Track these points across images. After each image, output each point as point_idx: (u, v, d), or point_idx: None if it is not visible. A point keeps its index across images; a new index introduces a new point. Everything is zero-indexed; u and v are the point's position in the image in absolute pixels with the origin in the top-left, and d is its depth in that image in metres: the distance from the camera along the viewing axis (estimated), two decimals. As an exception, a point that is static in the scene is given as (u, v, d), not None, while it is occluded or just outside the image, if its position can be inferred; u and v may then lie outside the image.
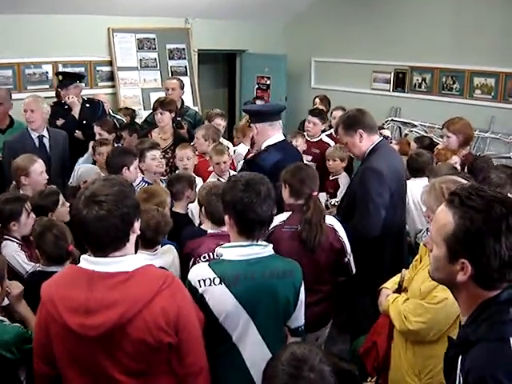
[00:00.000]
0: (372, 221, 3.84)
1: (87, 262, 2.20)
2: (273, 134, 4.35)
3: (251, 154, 4.29)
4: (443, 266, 1.82)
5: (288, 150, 4.50)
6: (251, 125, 4.50)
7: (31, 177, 4.46)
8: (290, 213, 3.53)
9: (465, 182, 3.04)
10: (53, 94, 7.26)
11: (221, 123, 6.52)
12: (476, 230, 1.70)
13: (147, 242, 3.32)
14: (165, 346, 2.19)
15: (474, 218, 1.70)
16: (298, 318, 2.80)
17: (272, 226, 3.41)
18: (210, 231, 3.51)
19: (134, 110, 7.77)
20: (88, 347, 2.14)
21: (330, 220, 3.60)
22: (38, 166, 4.53)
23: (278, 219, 3.50)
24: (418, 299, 2.92)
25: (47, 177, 4.60)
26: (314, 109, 6.76)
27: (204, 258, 3.30)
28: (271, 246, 2.71)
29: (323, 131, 7.00)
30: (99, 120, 6.23)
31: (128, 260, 2.20)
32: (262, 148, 4.35)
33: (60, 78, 6.39)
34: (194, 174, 5.09)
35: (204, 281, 2.55)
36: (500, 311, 1.69)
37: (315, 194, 3.50)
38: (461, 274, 1.76)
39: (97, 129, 5.92)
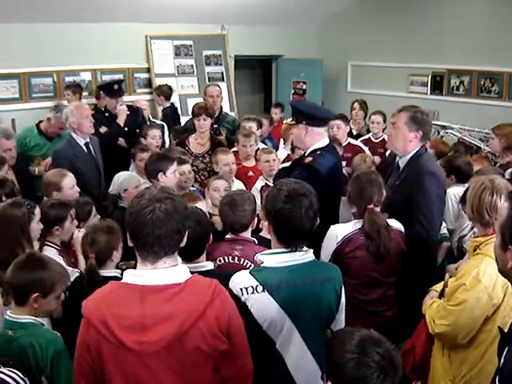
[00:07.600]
0: (436, 224, 3.82)
1: (135, 276, 2.17)
2: (324, 137, 4.23)
3: (308, 158, 4.09)
4: (498, 254, 1.86)
5: (338, 154, 4.46)
6: (309, 127, 4.15)
7: (63, 192, 4.34)
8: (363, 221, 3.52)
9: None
10: (90, 101, 7.45)
11: (251, 125, 6.26)
12: None
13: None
14: (218, 353, 2.20)
15: None
16: (341, 321, 2.78)
17: (347, 232, 3.47)
18: (227, 236, 3.50)
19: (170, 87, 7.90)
20: (145, 363, 2.11)
21: (395, 224, 3.59)
22: (69, 181, 4.42)
23: (353, 226, 3.51)
24: (445, 301, 2.89)
25: (78, 190, 4.47)
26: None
27: (219, 261, 3.31)
28: (311, 251, 2.68)
29: (358, 136, 6.96)
30: (140, 126, 6.32)
31: (178, 271, 2.19)
32: (309, 151, 4.20)
33: (116, 87, 6.39)
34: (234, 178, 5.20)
35: (246, 289, 2.53)
36: None
37: (370, 206, 3.46)
38: (510, 261, 1.77)
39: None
